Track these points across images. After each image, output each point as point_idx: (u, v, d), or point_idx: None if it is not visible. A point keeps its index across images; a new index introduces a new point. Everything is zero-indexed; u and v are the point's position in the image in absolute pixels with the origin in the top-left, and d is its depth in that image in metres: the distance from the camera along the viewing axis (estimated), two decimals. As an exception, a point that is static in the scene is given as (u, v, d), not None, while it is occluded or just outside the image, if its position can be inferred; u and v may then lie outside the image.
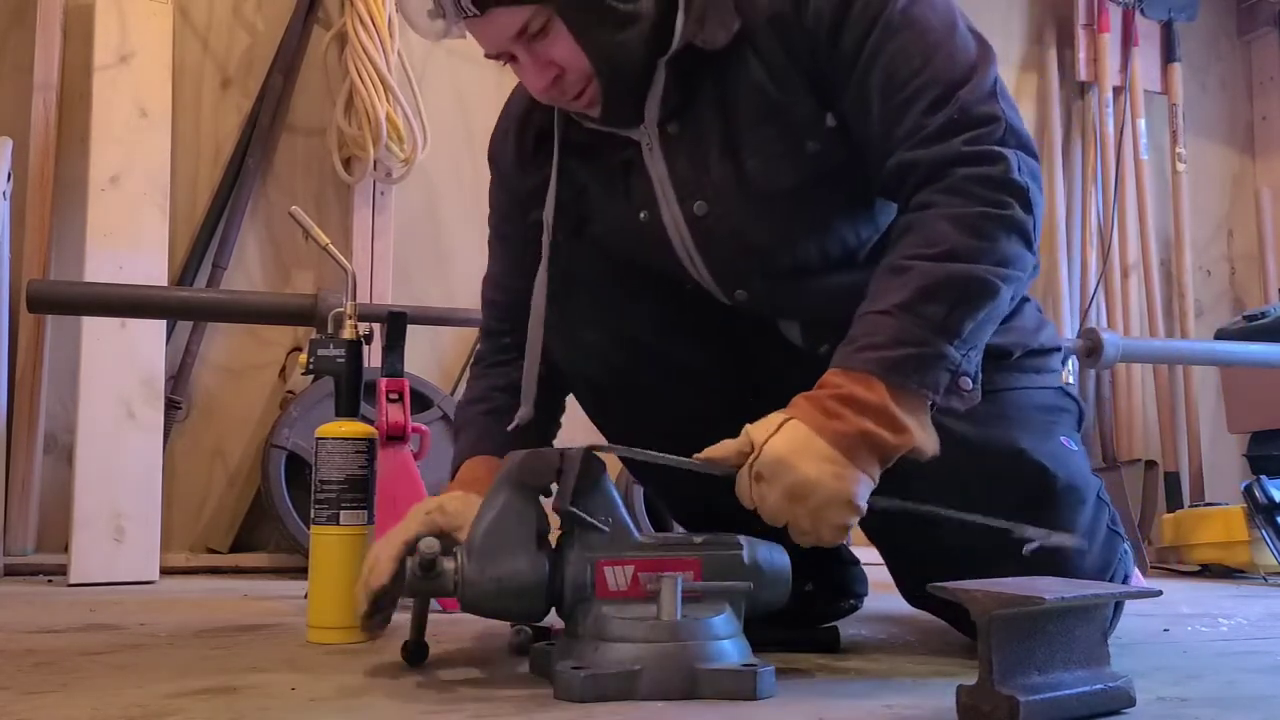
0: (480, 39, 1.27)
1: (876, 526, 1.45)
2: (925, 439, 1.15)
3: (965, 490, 1.24)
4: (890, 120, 1.22)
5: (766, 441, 1.11)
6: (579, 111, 1.33)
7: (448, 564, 1.15)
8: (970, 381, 1.16)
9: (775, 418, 1.14)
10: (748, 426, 1.15)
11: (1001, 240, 1.16)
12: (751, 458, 1.12)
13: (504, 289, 1.53)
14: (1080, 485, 1.31)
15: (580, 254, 1.40)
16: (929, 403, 1.15)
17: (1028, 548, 1.15)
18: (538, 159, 1.43)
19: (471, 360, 1.57)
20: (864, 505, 1.12)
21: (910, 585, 1.43)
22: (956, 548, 1.27)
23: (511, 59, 1.28)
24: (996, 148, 1.18)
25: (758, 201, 1.31)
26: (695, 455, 1.16)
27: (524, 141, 1.46)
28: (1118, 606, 1.36)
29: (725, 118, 1.30)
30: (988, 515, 1.17)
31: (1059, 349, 1.48)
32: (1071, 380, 2.81)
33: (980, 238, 1.16)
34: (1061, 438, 1.35)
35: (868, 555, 1.59)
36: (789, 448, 1.10)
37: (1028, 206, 1.18)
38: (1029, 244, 1.19)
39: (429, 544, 1.15)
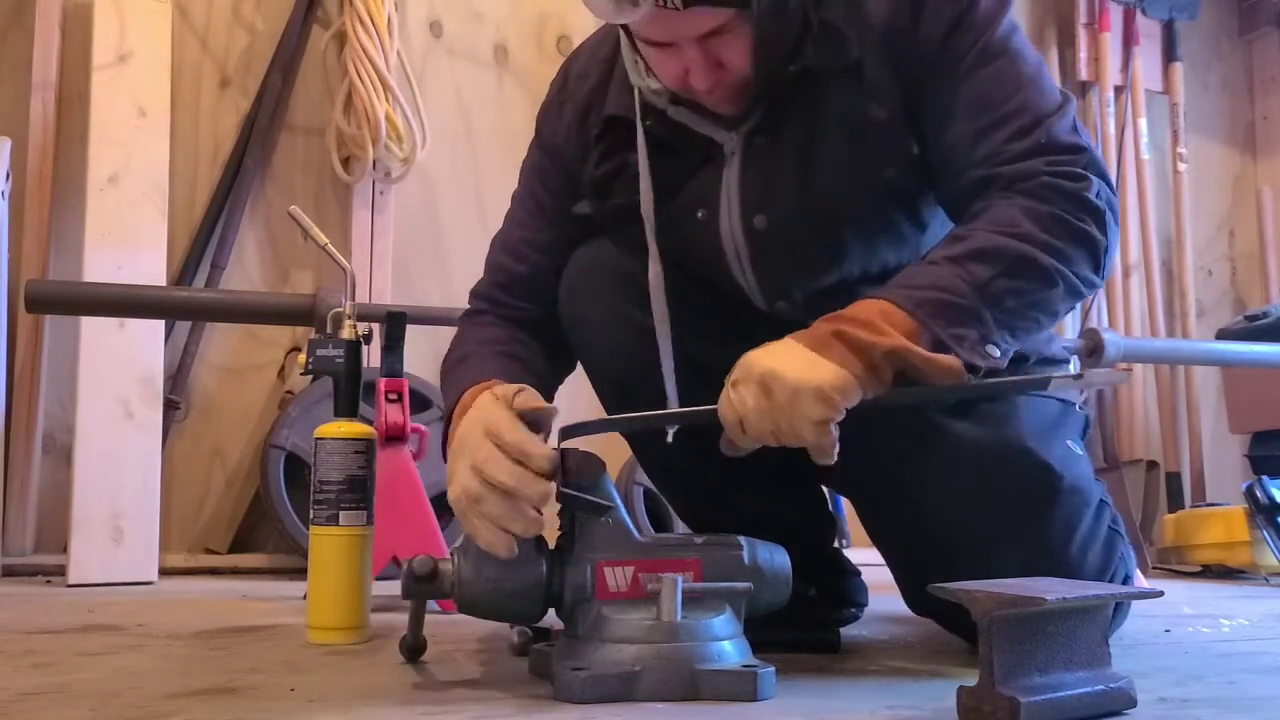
0: (660, 29, 1.21)
1: (881, 527, 1.45)
2: (920, 350, 1.08)
3: (973, 487, 1.25)
4: (974, 139, 1.23)
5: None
6: (709, 103, 1.29)
7: (444, 565, 1.14)
8: (998, 350, 1.14)
9: None
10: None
11: (1069, 244, 1.17)
12: (730, 375, 1.11)
13: (521, 258, 1.46)
14: (1085, 488, 1.31)
15: (621, 249, 1.39)
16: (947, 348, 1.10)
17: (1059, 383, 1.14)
18: (602, 147, 1.40)
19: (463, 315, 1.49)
20: (839, 400, 1.07)
21: (913, 590, 1.42)
22: (960, 547, 1.28)
23: (662, 46, 1.23)
24: (1081, 170, 1.19)
25: (821, 222, 1.32)
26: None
27: (587, 124, 1.42)
28: (1120, 607, 1.36)
29: (810, 137, 1.30)
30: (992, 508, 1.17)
31: (1068, 360, 1.51)
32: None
33: (1049, 233, 1.16)
34: (1067, 441, 1.36)
35: (868, 557, 1.58)
36: (761, 351, 1.10)
37: (1103, 227, 1.19)
38: (1096, 264, 1.19)
39: (423, 560, 1.14)
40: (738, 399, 1.10)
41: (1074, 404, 1.45)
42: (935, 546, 1.31)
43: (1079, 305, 1.49)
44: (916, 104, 1.27)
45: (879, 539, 1.47)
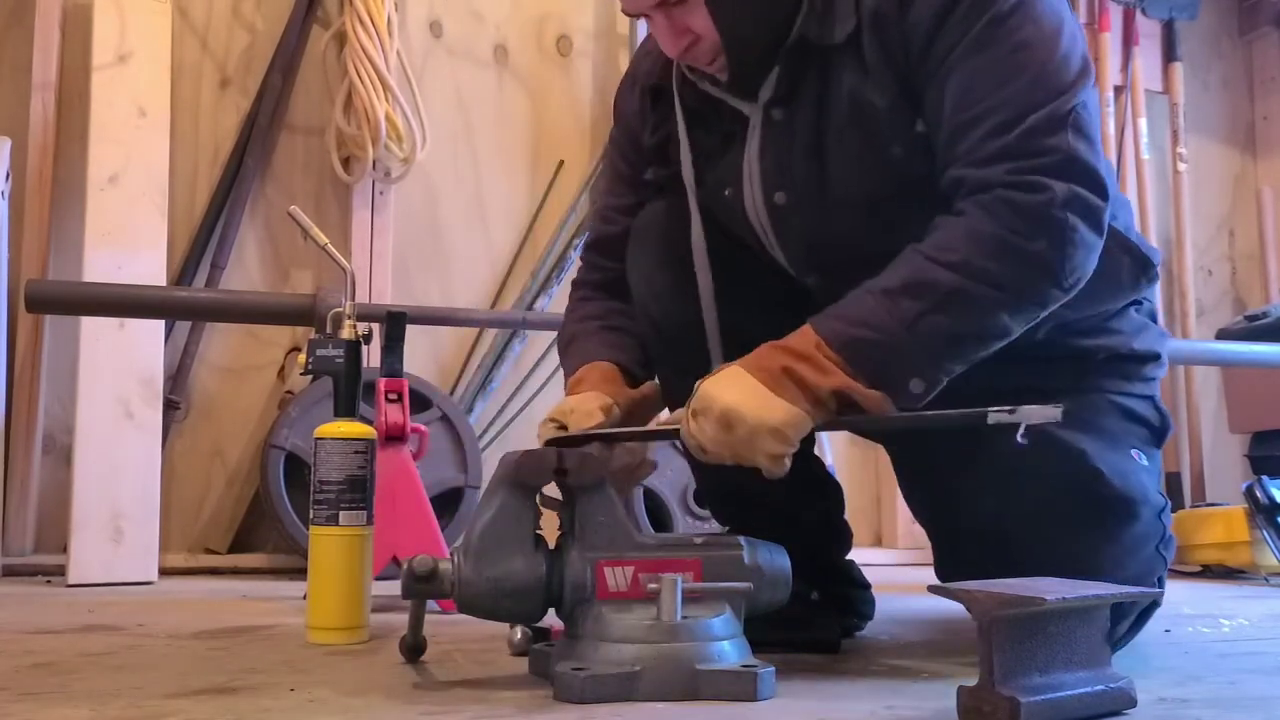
0: (624, 1, 1.31)
1: (923, 501, 1.46)
2: (858, 387, 1.15)
3: (1020, 485, 1.24)
4: (955, 134, 1.21)
5: (701, 383, 1.19)
6: (710, 72, 1.35)
7: (444, 565, 1.14)
8: (922, 385, 1.17)
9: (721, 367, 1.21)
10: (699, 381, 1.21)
11: (1011, 268, 1.16)
12: (690, 399, 1.18)
13: (611, 221, 1.56)
14: (1136, 499, 1.27)
15: (670, 208, 1.44)
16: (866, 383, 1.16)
17: (1013, 420, 1.12)
18: (655, 116, 1.47)
19: (573, 281, 1.61)
20: (792, 435, 1.15)
21: (947, 567, 1.40)
22: (1001, 539, 1.26)
23: (648, 17, 1.31)
24: (1043, 178, 1.15)
25: (836, 202, 1.32)
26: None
27: (646, 98, 1.49)
28: (1139, 620, 1.33)
29: (819, 116, 1.31)
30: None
31: (1158, 356, 1.43)
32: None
33: (988, 259, 1.15)
34: (1132, 449, 1.33)
35: (871, 557, 1.58)
36: (716, 384, 1.17)
37: (1059, 242, 1.15)
38: (1054, 279, 1.17)
39: (423, 560, 1.14)
40: (698, 429, 1.17)
41: (1158, 408, 1.41)
42: (974, 530, 1.30)
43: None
44: (914, 94, 1.26)
45: (920, 513, 1.47)
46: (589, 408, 1.31)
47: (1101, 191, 1.18)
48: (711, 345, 1.37)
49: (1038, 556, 1.20)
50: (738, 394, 1.15)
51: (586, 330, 1.49)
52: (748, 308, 1.41)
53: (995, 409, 1.10)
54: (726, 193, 1.39)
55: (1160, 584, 1.34)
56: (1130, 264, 1.35)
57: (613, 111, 1.59)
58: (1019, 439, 1.09)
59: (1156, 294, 1.48)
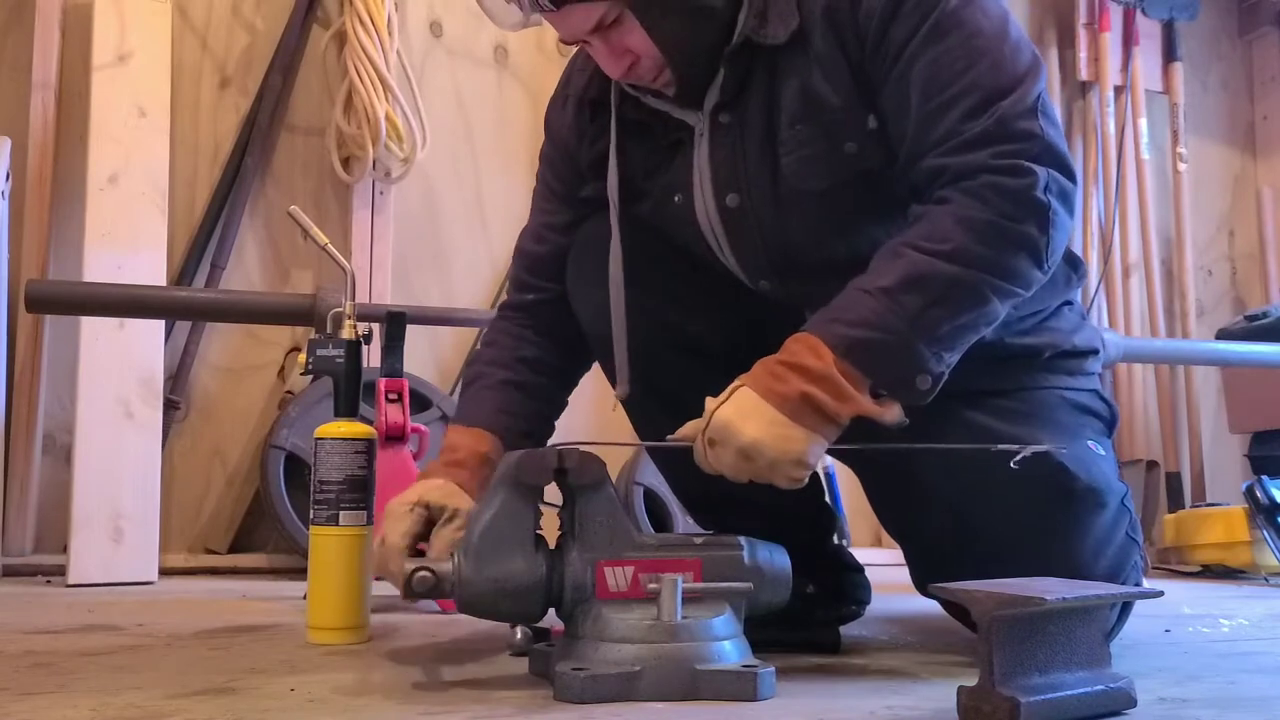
0: (557, 29, 1.31)
1: (892, 511, 1.45)
2: (876, 409, 1.16)
3: (986, 485, 1.24)
4: (926, 122, 1.21)
5: (716, 408, 1.17)
6: (654, 88, 1.34)
7: (445, 565, 1.14)
8: (929, 380, 1.17)
9: (731, 386, 1.18)
10: (708, 398, 1.19)
11: (1005, 252, 1.17)
12: (703, 425, 1.17)
13: (541, 239, 1.52)
14: (1101, 489, 1.29)
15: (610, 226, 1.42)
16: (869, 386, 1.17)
17: (1014, 460, 1.17)
18: (593, 131, 1.46)
19: (496, 306, 1.57)
20: (813, 462, 1.17)
21: (921, 574, 1.42)
22: (972, 539, 1.27)
23: (587, 43, 1.31)
24: (1026, 163, 1.17)
25: (790, 200, 1.32)
26: (668, 437, 1.21)
27: (582, 112, 1.48)
28: (1124, 610, 1.35)
29: (770, 113, 1.30)
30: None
31: (1096, 351, 1.46)
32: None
33: (984, 244, 1.16)
34: (1088, 441, 1.34)
35: (871, 557, 1.58)
36: (737, 413, 1.15)
37: (1045, 225, 1.17)
38: (1039, 262, 1.19)
39: (422, 577, 1.13)
40: (715, 458, 1.17)
41: (1104, 399, 1.44)
42: (946, 535, 1.31)
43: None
44: (869, 88, 1.26)
45: (889, 522, 1.47)
46: (436, 499, 1.30)
47: (1072, 176, 1.20)
48: (619, 362, 1.36)
49: (1016, 556, 1.21)
50: (757, 428, 1.14)
51: (489, 378, 1.46)
52: (707, 316, 1.41)
53: (999, 447, 1.17)
54: (676, 199, 1.38)
55: (1136, 568, 1.36)
56: (1063, 264, 1.37)
57: (544, 127, 1.56)
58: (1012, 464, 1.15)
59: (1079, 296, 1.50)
